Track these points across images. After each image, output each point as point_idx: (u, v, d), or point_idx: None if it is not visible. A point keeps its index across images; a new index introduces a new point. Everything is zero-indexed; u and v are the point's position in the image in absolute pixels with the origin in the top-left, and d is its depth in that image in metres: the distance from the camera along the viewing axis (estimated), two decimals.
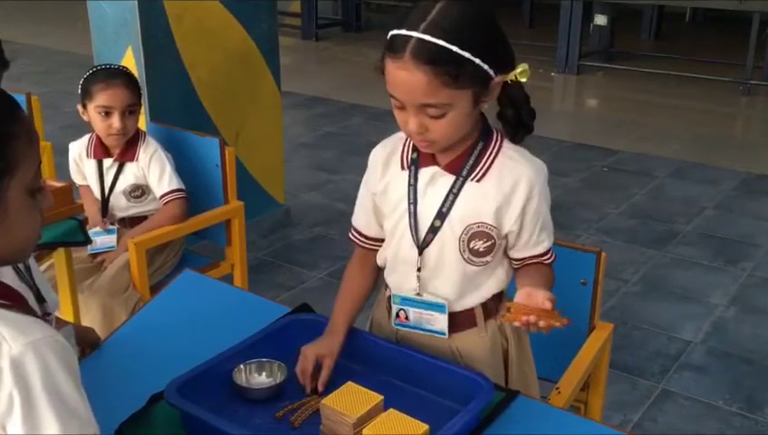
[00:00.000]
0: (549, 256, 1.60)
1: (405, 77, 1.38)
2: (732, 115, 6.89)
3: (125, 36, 3.35)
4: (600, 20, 8.01)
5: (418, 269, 1.57)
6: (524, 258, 1.59)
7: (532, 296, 1.36)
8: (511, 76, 1.46)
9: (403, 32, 1.38)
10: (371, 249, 1.69)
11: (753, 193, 4.81)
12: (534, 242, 1.56)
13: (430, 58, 1.35)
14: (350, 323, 1.63)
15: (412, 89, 1.38)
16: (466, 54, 1.36)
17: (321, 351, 1.55)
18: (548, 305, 1.34)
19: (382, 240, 1.67)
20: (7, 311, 1.07)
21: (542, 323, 1.33)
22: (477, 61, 1.38)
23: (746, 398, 2.83)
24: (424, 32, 1.35)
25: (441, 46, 1.35)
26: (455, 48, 1.35)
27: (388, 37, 1.41)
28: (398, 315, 1.62)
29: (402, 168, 1.58)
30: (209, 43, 3.58)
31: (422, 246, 1.56)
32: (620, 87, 7.51)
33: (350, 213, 1.73)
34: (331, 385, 1.40)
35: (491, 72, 1.41)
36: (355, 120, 6.29)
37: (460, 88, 1.39)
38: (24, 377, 1.00)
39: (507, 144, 1.54)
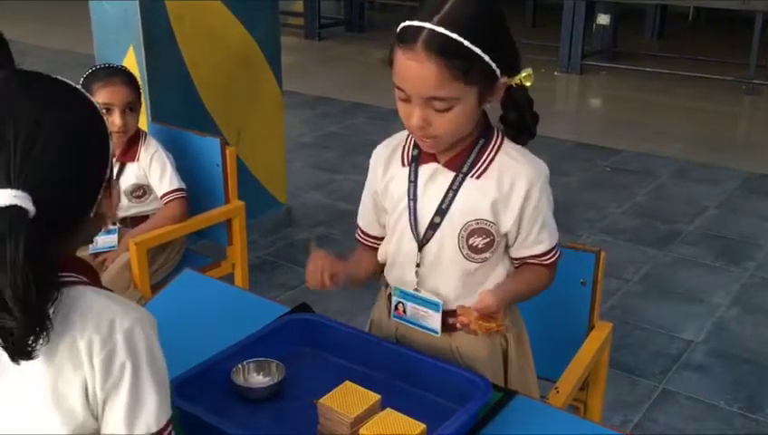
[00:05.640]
0: (549, 256, 1.59)
1: (415, 68, 1.37)
2: (735, 115, 6.87)
3: (126, 36, 3.36)
4: (603, 19, 8.00)
5: (417, 265, 1.57)
6: (524, 258, 1.58)
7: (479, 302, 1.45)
8: (516, 80, 1.47)
9: (416, 23, 1.38)
10: (373, 247, 1.70)
11: (756, 193, 4.80)
12: (533, 241, 1.56)
13: (442, 50, 1.35)
14: (355, 269, 1.65)
15: (421, 80, 1.38)
16: (477, 50, 1.37)
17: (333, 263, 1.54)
18: (474, 315, 1.43)
19: (383, 239, 1.68)
20: (101, 290, 1.13)
21: (473, 326, 1.43)
22: (487, 58, 1.38)
23: (747, 398, 2.83)
24: (438, 24, 1.36)
25: (454, 39, 1.35)
26: (467, 42, 1.36)
27: (399, 28, 1.41)
28: (396, 308, 1.63)
29: (403, 164, 1.59)
30: (210, 42, 3.58)
31: (422, 243, 1.56)
32: (623, 87, 7.50)
33: (352, 213, 1.74)
34: (329, 385, 1.40)
35: (498, 72, 1.42)
36: (357, 120, 6.29)
37: (468, 83, 1.39)
38: (135, 348, 1.07)
39: (508, 142, 1.54)
